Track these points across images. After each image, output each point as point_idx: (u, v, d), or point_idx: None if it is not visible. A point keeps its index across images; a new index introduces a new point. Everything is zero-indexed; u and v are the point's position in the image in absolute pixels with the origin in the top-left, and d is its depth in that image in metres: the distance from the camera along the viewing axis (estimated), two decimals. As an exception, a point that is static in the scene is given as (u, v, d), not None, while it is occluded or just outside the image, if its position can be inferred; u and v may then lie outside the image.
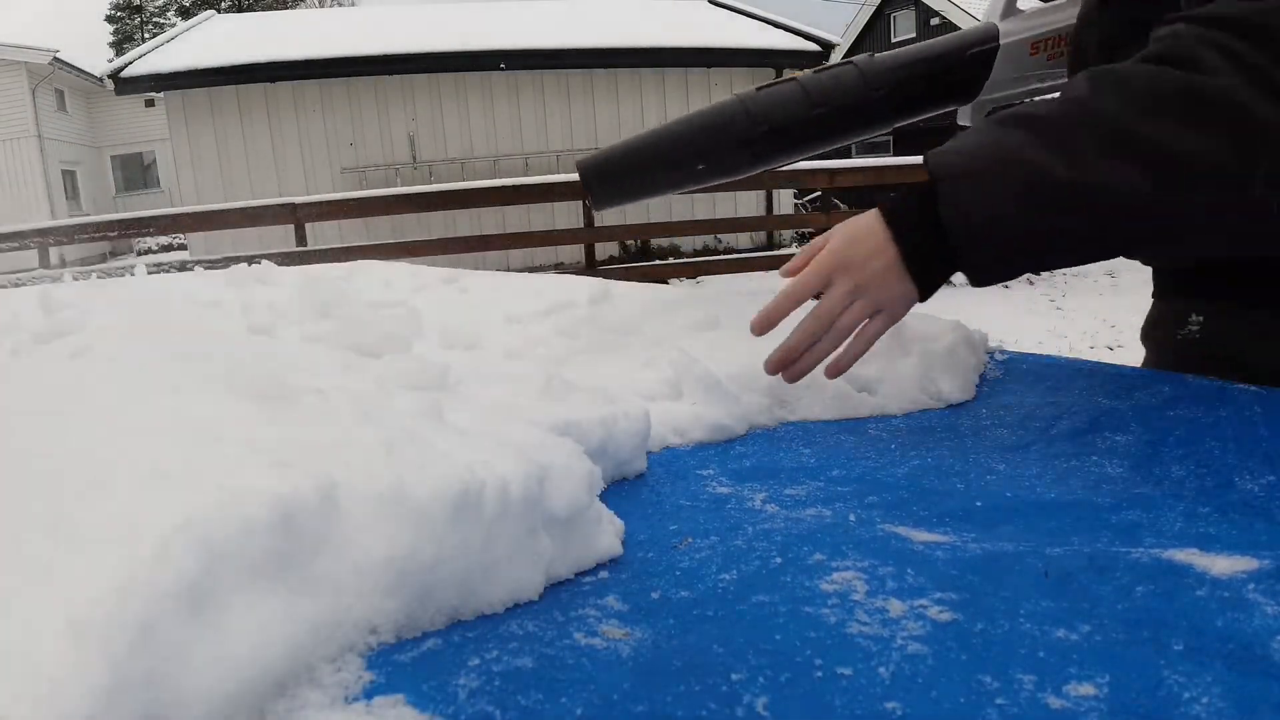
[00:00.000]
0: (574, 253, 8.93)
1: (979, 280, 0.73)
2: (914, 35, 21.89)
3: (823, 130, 1.16)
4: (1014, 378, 1.10)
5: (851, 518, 0.73)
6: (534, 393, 0.98)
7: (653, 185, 1.26)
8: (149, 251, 18.85)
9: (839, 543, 0.67)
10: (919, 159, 1.39)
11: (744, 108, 1.15)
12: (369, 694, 0.49)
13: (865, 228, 0.74)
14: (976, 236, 0.68)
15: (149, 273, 2.33)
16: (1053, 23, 1.22)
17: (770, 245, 12.96)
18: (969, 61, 1.21)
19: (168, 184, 21.56)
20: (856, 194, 12.26)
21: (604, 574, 0.66)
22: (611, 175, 1.26)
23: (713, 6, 13.85)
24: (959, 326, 1.03)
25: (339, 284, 1.69)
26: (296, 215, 8.05)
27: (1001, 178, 0.66)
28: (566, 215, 9.33)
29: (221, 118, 10.94)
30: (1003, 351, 1.17)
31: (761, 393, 0.92)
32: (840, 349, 0.77)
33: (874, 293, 0.74)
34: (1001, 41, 1.19)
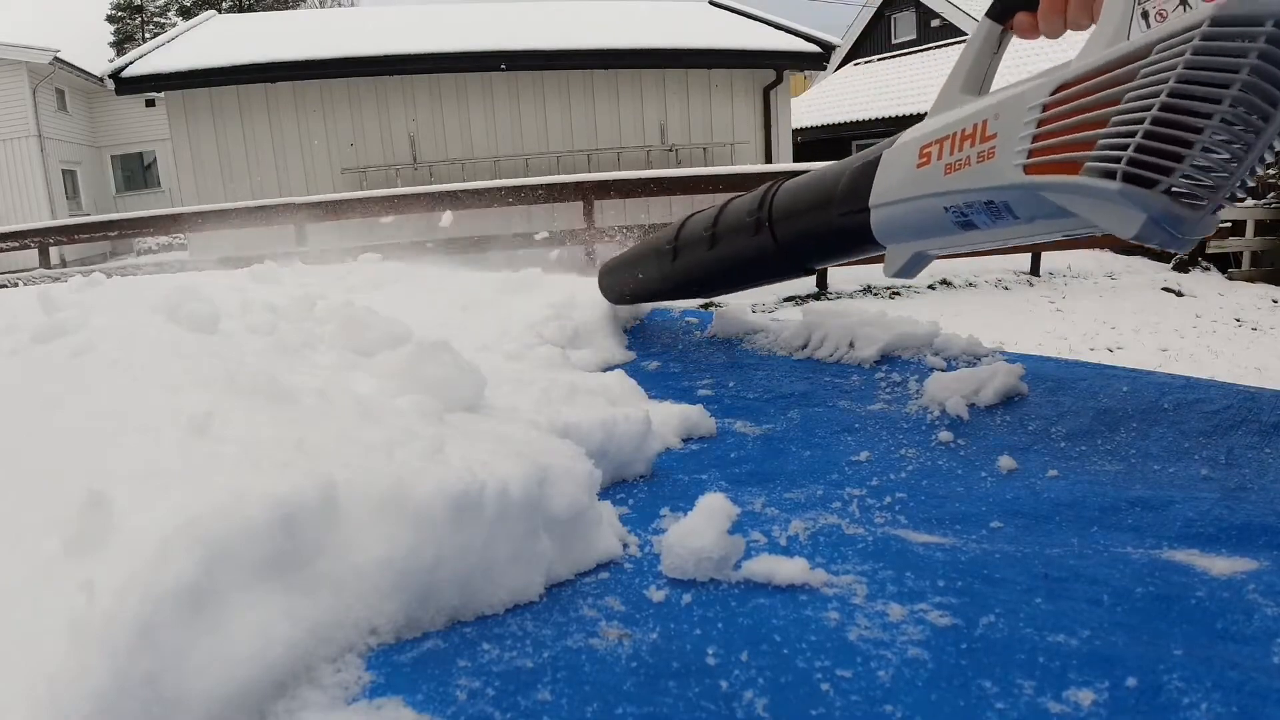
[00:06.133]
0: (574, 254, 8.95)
1: None
2: (914, 37, 21.74)
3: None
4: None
5: (851, 520, 0.73)
6: (534, 394, 0.99)
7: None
8: (149, 251, 18.79)
9: (839, 545, 0.67)
10: None
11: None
12: (369, 694, 0.49)
13: None
14: None
15: (149, 273, 2.32)
16: None
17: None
18: None
19: (168, 184, 21.55)
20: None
21: (604, 574, 0.66)
22: None
23: (713, 8, 13.86)
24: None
25: (338, 284, 1.69)
26: (297, 215, 8.06)
27: None
28: (567, 215, 9.33)
29: (222, 118, 10.94)
30: (1003, 353, 1.17)
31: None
32: None
33: None
34: None
